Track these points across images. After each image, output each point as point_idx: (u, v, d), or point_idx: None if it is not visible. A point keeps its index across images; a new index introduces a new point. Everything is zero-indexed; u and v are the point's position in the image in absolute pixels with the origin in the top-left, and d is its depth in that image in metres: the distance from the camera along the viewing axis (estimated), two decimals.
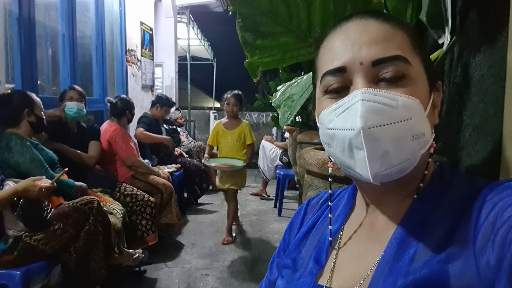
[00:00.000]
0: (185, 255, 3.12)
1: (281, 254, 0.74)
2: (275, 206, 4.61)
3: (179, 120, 5.53)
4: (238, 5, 0.79)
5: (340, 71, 0.56)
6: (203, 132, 8.40)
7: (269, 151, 4.88)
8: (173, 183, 3.59)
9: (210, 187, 5.07)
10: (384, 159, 0.51)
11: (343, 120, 0.53)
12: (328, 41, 0.60)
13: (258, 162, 5.15)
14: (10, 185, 1.86)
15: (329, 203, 0.69)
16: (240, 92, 3.52)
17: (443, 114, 1.25)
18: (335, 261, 0.62)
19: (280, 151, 4.84)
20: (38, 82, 3.29)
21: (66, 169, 2.13)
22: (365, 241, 0.61)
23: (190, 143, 5.28)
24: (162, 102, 4.28)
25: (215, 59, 9.81)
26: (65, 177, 2.33)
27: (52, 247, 1.86)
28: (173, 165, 4.11)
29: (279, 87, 1.06)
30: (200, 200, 4.69)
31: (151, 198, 2.99)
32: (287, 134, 4.33)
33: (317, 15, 0.84)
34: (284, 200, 4.51)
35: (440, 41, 1.11)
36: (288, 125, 2.08)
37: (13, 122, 2.19)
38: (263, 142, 5.02)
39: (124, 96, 3.52)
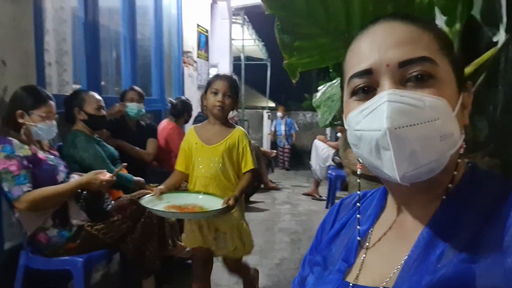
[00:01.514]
0: None
1: (313, 252, 0.76)
2: (326, 207, 4.58)
3: (234, 119, 5.66)
4: (275, 8, 0.82)
5: (367, 73, 0.57)
6: (256, 131, 8.51)
7: (321, 151, 4.85)
8: None
9: (262, 186, 5.15)
10: (412, 159, 0.52)
11: (370, 121, 0.54)
12: (355, 44, 0.61)
13: (310, 162, 5.14)
14: (75, 178, 2.03)
15: (358, 204, 0.70)
16: (234, 76, 2.12)
17: (497, 114, 1.20)
18: (363, 260, 0.63)
19: (333, 151, 4.80)
20: (102, 83, 3.53)
21: (125, 164, 2.27)
22: (393, 241, 0.61)
23: None
24: None
25: (269, 59, 9.88)
26: (124, 172, 2.49)
27: (111, 236, 2.00)
28: None
29: (319, 87, 1.08)
30: (251, 198, 4.77)
31: None
32: (339, 134, 4.30)
33: (356, 16, 0.85)
34: (336, 201, 4.47)
35: (494, 39, 1.07)
36: (339, 125, 2.06)
37: (72, 120, 2.38)
38: (316, 141, 5.00)
39: (184, 98, 3.70)
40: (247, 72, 8.08)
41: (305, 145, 8.06)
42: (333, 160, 4.72)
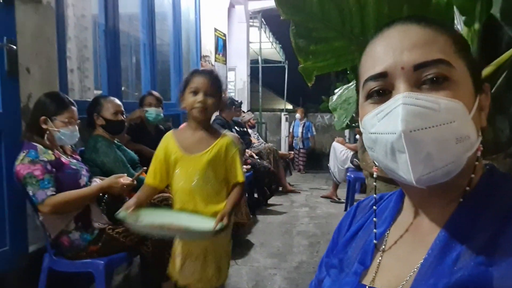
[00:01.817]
0: (254, 254, 3.21)
1: (329, 254, 0.76)
2: (345, 210, 4.55)
3: (251, 121, 5.68)
4: (290, 13, 0.83)
5: (382, 76, 0.57)
6: (274, 134, 8.50)
7: (340, 153, 4.82)
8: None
9: (280, 189, 5.14)
10: (427, 162, 0.52)
11: (385, 124, 0.54)
12: (370, 47, 0.61)
13: (328, 164, 5.11)
14: (97, 182, 2.07)
15: (374, 207, 0.70)
16: (215, 71, 1.88)
17: None
18: (379, 262, 0.63)
19: (351, 153, 4.76)
20: (122, 88, 3.60)
21: (145, 168, 2.30)
22: (410, 244, 0.61)
23: (260, 144, 5.39)
24: (230, 103, 4.47)
25: (286, 61, 9.87)
26: (144, 175, 2.53)
27: (132, 239, 2.03)
28: (243, 166, 4.23)
29: (336, 90, 1.08)
30: (269, 201, 4.77)
31: None
32: (358, 136, 4.26)
33: (371, 19, 0.85)
34: (355, 203, 4.43)
35: None
36: (357, 127, 2.05)
37: (92, 125, 2.44)
38: (334, 143, 4.97)
39: None
40: (265, 75, 8.10)
41: (324, 147, 8.01)
42: (351, 162, 4.68)
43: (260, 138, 5.96)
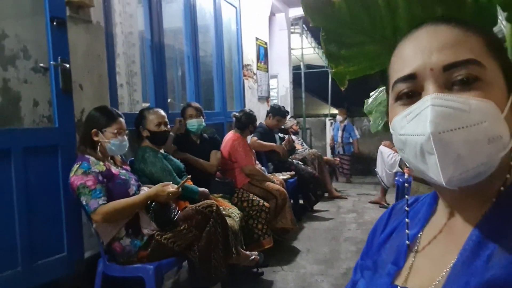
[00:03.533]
0: (300, 260, 3.20)
1: (364, 257, 0.76)
2: None
3: (294, 127, 5.67)
4: (318, 20, 0.84)
5: (411, 78, 0.57)
6: (319, 139, 8.42)
7: (388, 157, 4.70)
8: (287, 189, 3.71)
9: (326, 195, 5.08)
10: (457, 163, 0.51)
11: (414, 125, 0.54)
12: (399, 49, 0.62)
13: (376, 169, 4.98)
14: (145, 190, 2.17)
15: (406, 208, 0.70)
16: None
17: None
18: (412, 263, 0.63)
19: (399, 156, 4.62)
20: (168, 100, 3.74)
21: (190, 176, 2.39)
22: (443, 245, 0.61)
23: (304, 150, 5.37)
24: (274, 111, 4.49)
25: (329, 66, 9.77)
26: (190, 183, 2.61)
27: (179, 245, 2.10)
28: (287, 172, 4.24)
29: (372, 93, 1.07)
30: (315, 207, 4.73)
31: (265, 204, 3.15)
32: None
33: (402, 21, 0.84)
34: None
35: None
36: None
37: (140, 137, 2.56)
38: (381, 147, 4.85)
39: (248, 110, 3.80)
40: (308, 80, 8.07)
41: (371, 152, 7.80)
42: (400, 166, 4.55)
43: (304, 144, 5.93)
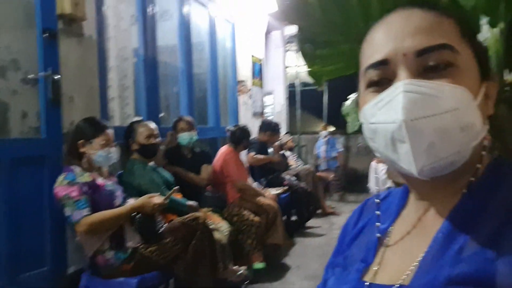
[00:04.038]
0: (291, 277, 3.14)
1: (336, 254, 0.74)
2: None
3: (289, 143, 5.67)
4: (292, 19, 0.83)
5: (383, 63, 0.55)
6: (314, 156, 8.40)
7: (380, 172, 4.68)
8: (279, 204, 3.67)
9: (319, 211, 5.04)
10: (430, 152, 0.49)
11: (385, 113, 0.52)
12: (370, 34, 0.60)
13: (368, 185, 4.96)
14: (131, 202, 2.14)
15: (376, 200, 0.68)
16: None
17: None
18: (382, 258, 0.60)
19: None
20: (161, 114, 3.73)
21: (177, 187, 2.36)
22: (412, 237, 0.59)
23: (298, 166, 5.35)
24: (264, 126, 4.49)
25: (325, 83, 9.85)
26: (179, 196, 2.58)
27: (164, 258, 2.06)
28: (280, 187, 4.21)
29: (350, 96, 1.07)
30: (308, 224, 4.67)
31: (255, 218, 3.11)
32: None
33: (376, 19, 0.84)
34: None
35: None
36: None
37: (129, 150, 2.54)
38: (373, 163, 4.85)
39: (242, 125, 3.80)
40: (303, 98, 8.09)
41: (366, 169, 7.78)
42: (392, 180, 4.53)
43: (299, 160, 5.91)
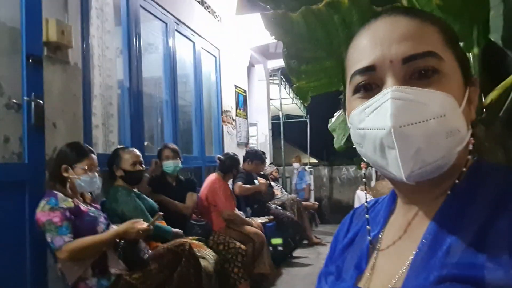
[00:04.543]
0: None
1: (328, 264, 0.74)
2: None
3: (274, 173, 5.68)
4: (278, 34, 0.87)
5: (370, 69, 0.55)
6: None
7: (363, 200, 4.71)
8: (265, 233, 3.64)
9: (306, 241, 5.00)
10: (417, 157, 0.51)
11: (374, 119, 0.53)
12: (356, 40, 0.60)
13: None
14: (114, 228, 2.09)
15: (365, 203, 0.69)
16: None
17: None
18: (374, 264, 0.61)
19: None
20: (145, 143, 3.72)
21: (161, 213, 2.33)
22: (403, 241, 0.59)
23: (283, 196, 5.34)
24: (251, 156, 4.51)
25: (308, 116, 10.00)
26: (163, 223, 2.54)
27: (148, 285, 2.00)
28: (266, 216, 4.18)
29: (336, 113, 1.10)
30: (295, 254, 4.62)
31: (242, 246, 3.07)
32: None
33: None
34: None
35: None
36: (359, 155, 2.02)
37: (113, 177, 2.52)
38: (358, 192, 4.90)
39: (232, 154, 3.82)
40: (287, 130, 8.21)
41: (351, 199, 7.82)
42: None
43: (283, 190, 5.91)
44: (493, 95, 1.11)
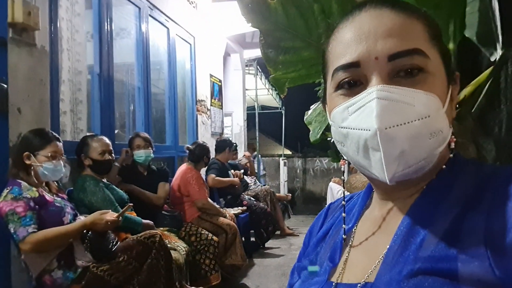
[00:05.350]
0: None
1: (301, 258, 0.73)
2: None
3: (246, 155, 5.69)
4: (256, 22, 0.83)
5: (354, 66, 0.53)
6: (273, 178, 8.47)
7: (337, 193, 4.76)
8: (238, 224, 3.62)
9: (278, 232, 5.03)
10: (401, 159, 0.49)
11: (358, 119, 0.51)
12: (339, 32, 0.57)
13: (326, 204, 5.03)
14: (81, 219, 2.02)
15: (343, 201, 0.68)
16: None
17: (503, 134, 1.16)
18: (347, 258, 0.60)
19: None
20: (116, 131, 3.62)
21: (131, 204, 2.26)
22: (376, 235, 0.59)
23: (257, 187, 5.34)
24: (225, 145, 4.48)
25: (283, 107, 10.03)
26: (133, 214, 2.48)
27: (117, 278, 1.95)
28: (239, 207, 4.17)
29: (312, 106, 1.08)
30: (267, 244, 4.64)
31: (214, 237, 3.05)
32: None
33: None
34: None
35: (492, 58, 1.06)
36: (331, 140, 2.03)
37: (81, 166, 2.43)
38: (331, 184, 4.93)
39: (201, 142, 3.74)
40: (262, 121, 8.21)
41: (323, 191, 7.94)
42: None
43: (257, 181, 5.91)
44: (466, 91, 1.11)
